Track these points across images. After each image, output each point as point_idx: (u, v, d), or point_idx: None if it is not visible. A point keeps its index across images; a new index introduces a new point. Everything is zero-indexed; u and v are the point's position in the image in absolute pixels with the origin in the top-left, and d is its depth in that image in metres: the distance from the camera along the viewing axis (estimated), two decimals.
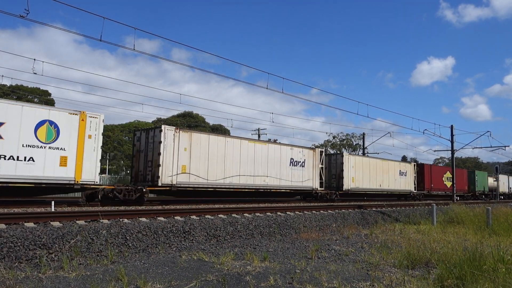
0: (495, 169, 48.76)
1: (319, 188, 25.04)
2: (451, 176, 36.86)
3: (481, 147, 47.42)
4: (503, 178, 53.95)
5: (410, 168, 34.11)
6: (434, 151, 43.56)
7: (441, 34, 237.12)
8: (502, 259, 7.25)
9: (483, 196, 47.10)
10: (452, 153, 34.98)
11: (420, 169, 35.96)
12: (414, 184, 34.35)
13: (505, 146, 39.23)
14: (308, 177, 24.38)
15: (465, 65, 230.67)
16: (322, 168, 25.46)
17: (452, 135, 34.44)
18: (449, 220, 17.87)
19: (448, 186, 38.26)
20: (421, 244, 10.73)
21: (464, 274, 6.47)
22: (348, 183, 27.12)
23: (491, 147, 37.95)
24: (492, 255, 7.51)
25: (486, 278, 6.34)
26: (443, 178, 39.14)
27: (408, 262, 8.35)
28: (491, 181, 50.28)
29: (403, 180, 32.92)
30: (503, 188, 53.31)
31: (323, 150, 26.50)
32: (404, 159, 57.76)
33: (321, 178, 25.17)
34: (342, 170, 26.85)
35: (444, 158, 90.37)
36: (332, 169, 27.36)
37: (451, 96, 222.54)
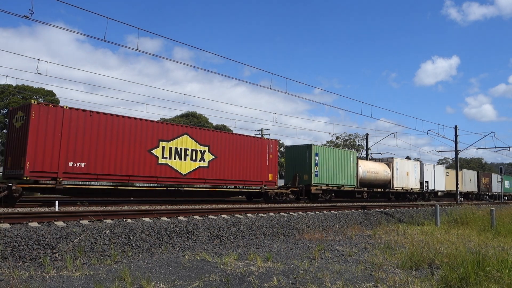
0: (499, 170, 47.32)
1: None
2: (191, 147, 18.17)
3: (485, 148, 47.13)
4: (405, 165, 33.11)
5: None
6: (438, 151, 43.47)
7: (445, 33, 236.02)
8: (506, 260, 7.21)
9: (330, 196, 25.36)
10: (456, 154, 34.85)
11: None
12: None
13: (509, 147, 39.07)
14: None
15: (469, 64, 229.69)
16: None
17: (456, 136, 34.33)
18: (453, 221, 17.81)
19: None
20: (424, 245, 10.68)
21: (468, 275, 6.45)
22: None
23: (495, 147, 37.84)
24: (495, 256, 7.47)
25: (490, 279, 6.31)
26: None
27: (412, 263, 8.32)
28: (370, 168, 29.28)
29: None
30: (405, 181, 32.71)
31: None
32: (407, 159, 55.44)
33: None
34: None
35: (448, 158, 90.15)
36: None
37: (455, 96, 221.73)
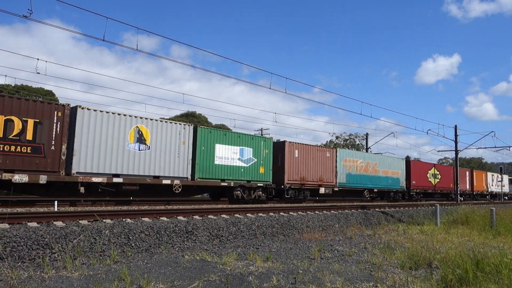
0: (500, 169, 47.28)
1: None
2: None
3: (485, 147, 47.00)
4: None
5: None
6: (438, 151, 43.27)
7: (446, 30, 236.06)
8: (506, 260, 7.19)
9: None
10: (456, 154, 34.88)
11: None
12: None
13: (509, 146, 39.06)
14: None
15: (470, 62, 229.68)
16: None
17: (456, 135, 34.36)
18: (453, 221, 17.80)
19: None
20: (424, 244, 10.68)
21: (467, 275, 6.44)
22: None
23: (495, 147, 37.90)
24: (494, 256, 7.46)
25: (490, 279, 6.30)
26: None
27: (412, 262, 8.31)
28: None
29: None
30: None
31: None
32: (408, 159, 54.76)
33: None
34: None
35: (448, 158, 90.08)
36: None
37: (456, 94, 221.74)
